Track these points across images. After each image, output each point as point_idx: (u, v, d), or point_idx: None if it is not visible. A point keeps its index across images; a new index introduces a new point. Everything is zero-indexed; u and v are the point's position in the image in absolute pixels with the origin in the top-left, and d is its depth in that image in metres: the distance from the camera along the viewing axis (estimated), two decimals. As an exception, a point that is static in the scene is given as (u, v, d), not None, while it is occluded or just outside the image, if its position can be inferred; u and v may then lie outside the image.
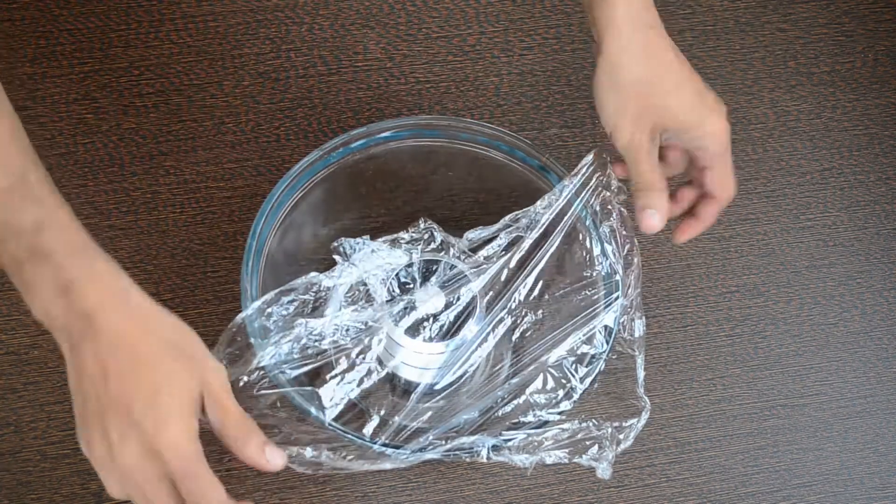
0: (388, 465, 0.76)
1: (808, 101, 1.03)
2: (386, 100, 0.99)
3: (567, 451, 0.78)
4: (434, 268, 0.84)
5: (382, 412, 0.84)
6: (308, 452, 0.74)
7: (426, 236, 0.86)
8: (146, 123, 0.96)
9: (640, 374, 0.82)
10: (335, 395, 0.79)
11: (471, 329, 0.81)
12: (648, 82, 0.78)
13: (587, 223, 0.83)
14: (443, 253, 0.85)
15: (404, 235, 0.85)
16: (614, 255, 0.82)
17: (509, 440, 0.77)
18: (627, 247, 0.82)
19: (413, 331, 0.81)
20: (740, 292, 0.96)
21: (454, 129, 0.86)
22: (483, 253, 0.83)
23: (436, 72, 1.00)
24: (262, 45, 1.00)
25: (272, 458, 0.69)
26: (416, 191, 0.89)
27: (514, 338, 0.89)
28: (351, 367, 0.79)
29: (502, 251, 0.83)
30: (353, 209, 0.89)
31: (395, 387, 0.89)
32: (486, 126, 0.86)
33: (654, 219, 0.78)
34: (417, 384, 0.87)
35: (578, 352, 0.81)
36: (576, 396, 0.79)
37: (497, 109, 0.99)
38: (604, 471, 0.78)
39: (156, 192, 0.93)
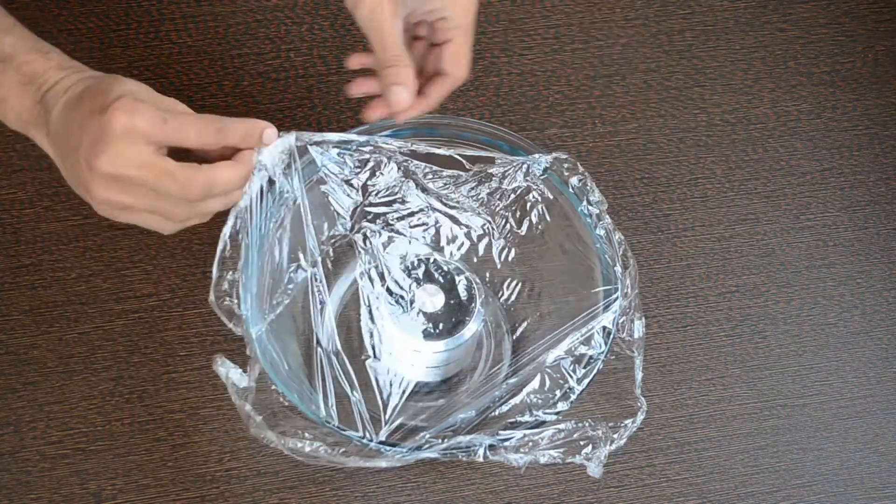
0: (383, 464, 0.77)
1: (808, 101, 1.03)
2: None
3: (562, 450, 0.78)
4: (433, 267, 0.84)
5: (381, 411, 0.84)
6: (307, 446, 0.74)
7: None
8: (146, 123, 0.96)
9: (638, 375, 0.81)
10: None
11: (470, 328, 0.82)
12: None
13: (587, 220, 0.83)
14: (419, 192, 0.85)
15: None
16: (611, 258, 0.82)
17: (506, 440, 0.77)
18: (622, 249, 0.82)
19: (412, 329, 0.81)
20: (740, 292, 0.96)
21: (454, 128, 0.86)
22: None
23: (436, 72, 1.00)
24: (262, 45, 1.00)
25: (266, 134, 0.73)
26: (416, 191, 0.89)
27: (513, 337, 0.89)
28: None
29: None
30: (351, 209, 0.88)
31: (394, 385, 0.89)
32: (487, 126, 0.86)
33: (401, 94, 0.76)
34: (416, 382, 0.87)
35: (577, 352, 0.81)
36: (573, 397, 0.79)
37: (497, 109, 0.99)
38: (594, 469, 0.78)
39: (155, 192, 0.93)
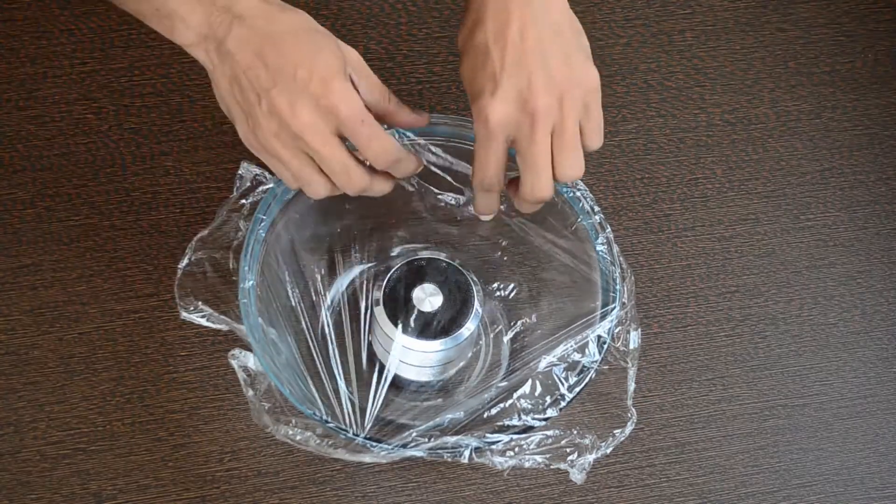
0: (367, 458, 0.77)
1: (808, 101, 1.03)
2: (386, 100, 0.99)
3: (547, 456, 0.78)
4: (432, 267, 0.84)
5: (371, 406, 0.84)
6: (298, 434, 0.75)
7: None
8: (146, 123, 0.96)
9: (631, 386, 0.81)
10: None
11: (468, 327, 0.82)
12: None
13: (590, 233, 0.83)
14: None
15: None
16: (610, 268, 0.82)
17: (493, 443, 0.77)
18: (621, 260, 0.82)
19: (411, 328, 0.81)
20: (740, 292, 0.96)
21: (460, 128, 0.86)
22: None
23: (436, 72, 1.00)
24: (263, 45, 1.00)
25: (420, 116, 0.79)
26: (416, 190, 0.89)
27: (511, 339, 0.89)
28: None
29: None
30: (352, 209, 0.88)
31: (392, 384, 0.89)
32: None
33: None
34: (413, 381, 0.87)
35: (570, 360, 0.81)
36: (563, 404, 0.79)
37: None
38: (576, 476, 0.78)
39: (156, 192, 0.94)
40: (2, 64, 0.96)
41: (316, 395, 0.82)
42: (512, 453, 0.77)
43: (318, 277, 0.88)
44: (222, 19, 0.71)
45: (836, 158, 1.01)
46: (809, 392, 0.93)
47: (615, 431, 0.79)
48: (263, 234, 0.81)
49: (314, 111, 0.71)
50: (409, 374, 0.84)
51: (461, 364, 0.87)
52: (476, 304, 0.82)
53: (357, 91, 0.73)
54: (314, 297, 0.89)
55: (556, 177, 0.75)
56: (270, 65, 0.70)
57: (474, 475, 0.88)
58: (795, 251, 0.98)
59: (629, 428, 0.79)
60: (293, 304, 0.86)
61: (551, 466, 0.78)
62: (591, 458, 0.78)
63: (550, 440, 0.78)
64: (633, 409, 0.80)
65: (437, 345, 0.81)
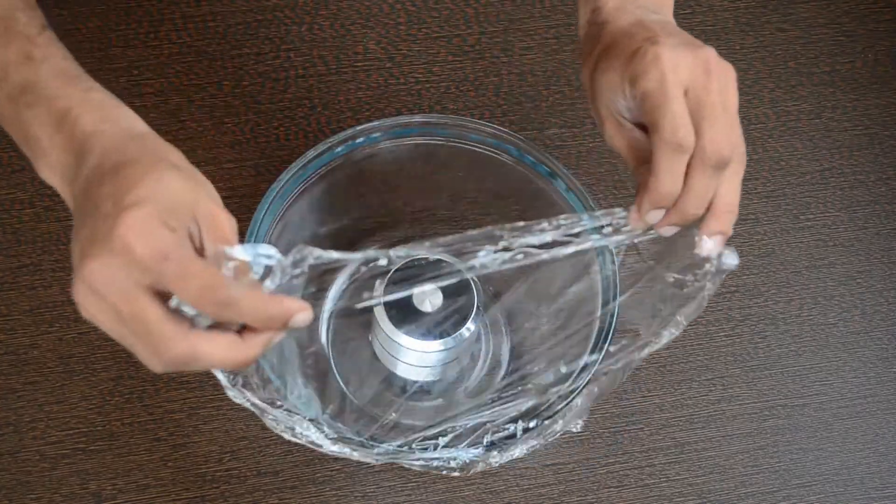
0: (356, 455, 0.75)
1: (808, 101, 1.03)
2: (386, 100, 0.99)
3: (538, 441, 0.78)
4: (432, 266, 0.84)
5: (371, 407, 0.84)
6: (285, 418, 0.74)
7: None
8: (146, 123, 0.96)
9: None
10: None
11: (468, 327, 0.82)
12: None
13: (598, 257, 0.83)
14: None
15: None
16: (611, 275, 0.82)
17: (482, 454, 0.77)
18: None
19: (411, 328, 0.81)
20: (740, 292, 0.96)
21: (460, 128, 0.86)
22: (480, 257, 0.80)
23: (436, 72, 1.00)
24: (262, 45, 1.00)
25: (291, 305, 0.58)
26: (417, 191, 0.89)
27: (512, 340, 0.89)
28: None
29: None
30: (352, 209, 0.89)
31: (392, 384, 0.89)
32: (495, 128, 0.86)
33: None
34: (414, 382, 0.87)
35: (567, 368, 0.81)
36: (564, 403, 0.78)
37: (497, 109, 0.99)
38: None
39: (155, 192, 0.93)
40: (1, 64, 0.96)
41: (315, 394, 0.82)
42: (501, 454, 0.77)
43: (318, 278, 0.89)
44: (79, 153, 0.59)
45: (836, 158, 1.01)
46: (809, 392, 0.93)
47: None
48: (263, 235, 0.81)
49: (105, 255, 0.54)
50: (409, 374, 0.84)
51: (461, 364, 0.87)
52: (476, 304, 0.82)
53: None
54: (314, 298, 0.89)
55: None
56: (92, 197, 0.57)
57: (474, 475, 0.88)
58: (795, 251, 0.98)
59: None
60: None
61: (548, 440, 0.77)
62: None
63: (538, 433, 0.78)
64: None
65: (437, 345, 0.81)
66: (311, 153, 0.84)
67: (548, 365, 0.85)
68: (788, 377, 0.93)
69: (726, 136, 0.64)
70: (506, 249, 0.70)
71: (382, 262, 0.67)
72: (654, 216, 0.66)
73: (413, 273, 0.84)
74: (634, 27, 0.66)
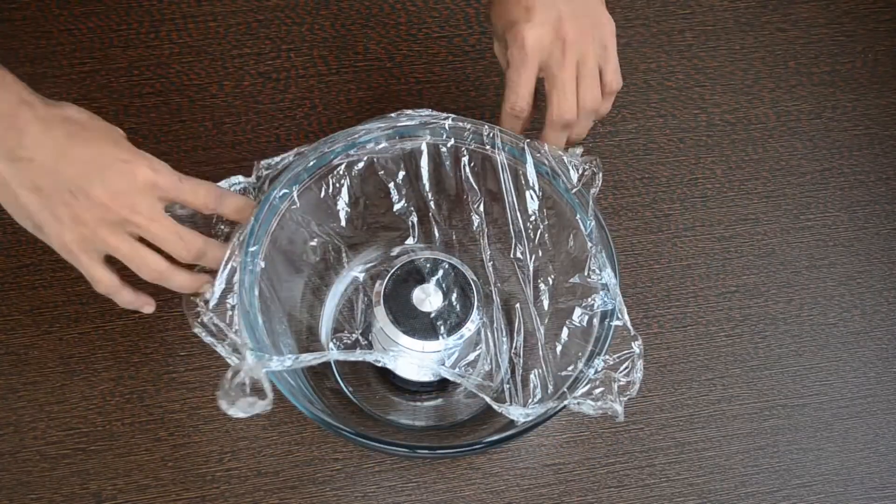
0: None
1: (808, 101, 1.03)
2: (386, 100, 0.99)
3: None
4: (432, 266, 0.84)
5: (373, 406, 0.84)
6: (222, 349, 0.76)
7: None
8: (146, 123, 0.96)
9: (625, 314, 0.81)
10: None
11: (468, 327, 0.82)
12: None
13: (593, 249, 0.83)
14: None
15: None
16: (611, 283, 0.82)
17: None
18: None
19: (411, 328, 0.81)
20: (740, 292, 0.96)
21: (460, 128, 0.86)
22: None
23: (436, 72, 1.00)
24: (262, 45, 1.00)
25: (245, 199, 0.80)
26: (417, 191, 0.89)
27: (512, 340, 0.89)
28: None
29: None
30: (352, 209, 0.88)
31: (392, 384, 0.89)
32: (495, 128, 0.86)
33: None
34: (413, 381, 0.87)
35: (567, 369, 0.81)
36: (564, 402, 0.78)
37: (497, 109, 0.99)
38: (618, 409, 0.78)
39: (156, 192, 0.93)
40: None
41: (315, 394, 0.82)
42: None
43: (318, 277, 0.88)
44: (8, 130, 0.71)
45: (836, 158, 1.01)
46: (809, 392, 0.93)
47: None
48: (264, 235, 0.81)
49: (134, 191, 0.72)
50: (410, 373, 0.84)
51: (461, 364, 0.87)
52: (476, 303, 0.82)
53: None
54: (314, 298, 0.89)
55: (579, 103, 0.82)
56: (78, 159, 0.72)
57: (474, 475, 0.88)
58: (795, 251, 0.98)
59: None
60: (294, 304, 0.86)
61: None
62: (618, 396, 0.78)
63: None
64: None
65: (437, 345, 0.81)
66: (311, 153, 0.84)
67: (548, 364, 0.85)
68: (788, 377, 0.93)
69: (570, 104, 0.82)
70: None
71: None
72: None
73: (413, 273, 0.84)
74: None
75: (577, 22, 0.80)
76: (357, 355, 0.79)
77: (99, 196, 0.72)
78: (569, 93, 0.81)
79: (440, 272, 0.83)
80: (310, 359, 0.76)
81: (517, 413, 0.77)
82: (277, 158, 0.82)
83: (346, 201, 0.87)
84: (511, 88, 0.82)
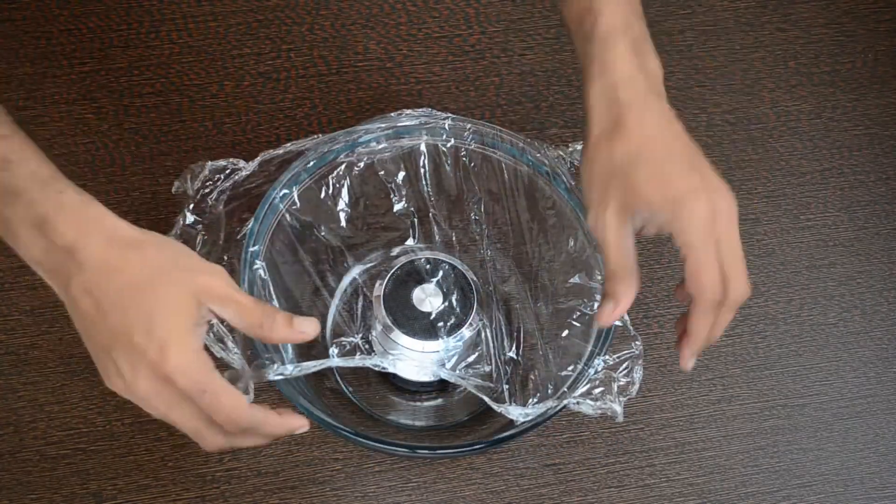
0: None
1: (808, 101, 1.03)
2: (386, 100, 0.99)
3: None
4: (432, 266, 0.84)
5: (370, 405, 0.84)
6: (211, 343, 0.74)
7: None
8: (146, 123, 0.96)
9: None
10: None
11: (468, 327, 0.82)
12: (619, 154, 0.71)
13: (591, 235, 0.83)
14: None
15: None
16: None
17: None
18: None
19: (411, 328, 0.81)
20: (740, 292, 0.96)
21: (461, 128, 0.86)
22: None
23: (436, 72, 1.00)
24: (262, 45, 1.00)
25: (302, 327, 0.69)
26: (417, 191, 0.89)
27: (512, 340, 0.89)
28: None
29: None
30: (352, 209, 0.89)
31: (392, 384, 0.89)
32: (495, 128, 0.86)
33: (605, 308, 0.71)
34: (413, 381, 0.87)
35: (571, 358, 0.81)
36: (565, 402, 0.78)
37: (497, 109, 0.99)
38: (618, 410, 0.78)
39: (156, 192, 0.93)
40: (2, 64, 0.96)
41: (315, 394, 0.82)
42: None
43: (319, 278, 0.89)
44: (63, 262, 0.66)
45: (836, 158, 1.01)
46: (809, 392, 0.93)
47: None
48: (264, 234, 0.81)
49: (153, 381, 0.66)
50: (410, 373, 0.84)
51: (461, 364, 0.87)
52: (476, 304, 0.82)
53: (209, 351, 0.69)
54: (314, 298, 0.89)
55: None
56: (109, 324, 0.66)
57: (474, 475, 0.88)
58: (795, 251, 0.98)
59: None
60: (294, 304, 0.86)
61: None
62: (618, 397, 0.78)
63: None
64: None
65: (437, 345, 0.81)
66: (311, 153, 0.84)
67: (547, 364, 0.85)
68: (788, 377, 0.93)
69: (746, 281, 0.71)
70: None
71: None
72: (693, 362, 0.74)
73: (413, 273, 0.84)
74: (669, 142, 0.71)
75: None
76: (356, 361, 0.78)
77: (123, 370, 0.66)
78: (742, 267, 0.71)
79: (440, 272, 0.83)
80: (311, 366, 0.75)
81: (517, 413, 0.77)
82: (280, 150, 0.82)
83: (346, 201, 0.87)
84: (706, 274, 0.69)
